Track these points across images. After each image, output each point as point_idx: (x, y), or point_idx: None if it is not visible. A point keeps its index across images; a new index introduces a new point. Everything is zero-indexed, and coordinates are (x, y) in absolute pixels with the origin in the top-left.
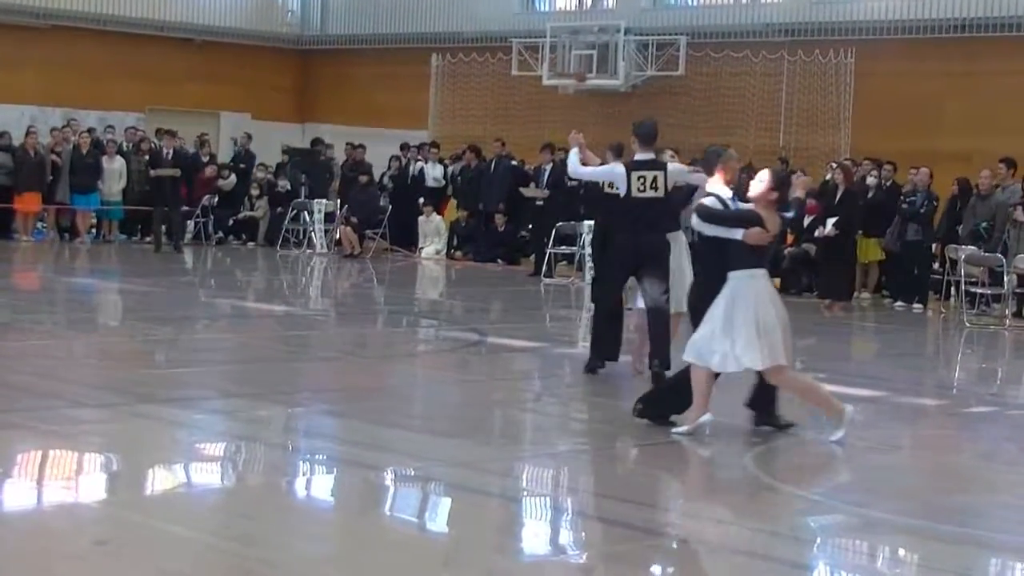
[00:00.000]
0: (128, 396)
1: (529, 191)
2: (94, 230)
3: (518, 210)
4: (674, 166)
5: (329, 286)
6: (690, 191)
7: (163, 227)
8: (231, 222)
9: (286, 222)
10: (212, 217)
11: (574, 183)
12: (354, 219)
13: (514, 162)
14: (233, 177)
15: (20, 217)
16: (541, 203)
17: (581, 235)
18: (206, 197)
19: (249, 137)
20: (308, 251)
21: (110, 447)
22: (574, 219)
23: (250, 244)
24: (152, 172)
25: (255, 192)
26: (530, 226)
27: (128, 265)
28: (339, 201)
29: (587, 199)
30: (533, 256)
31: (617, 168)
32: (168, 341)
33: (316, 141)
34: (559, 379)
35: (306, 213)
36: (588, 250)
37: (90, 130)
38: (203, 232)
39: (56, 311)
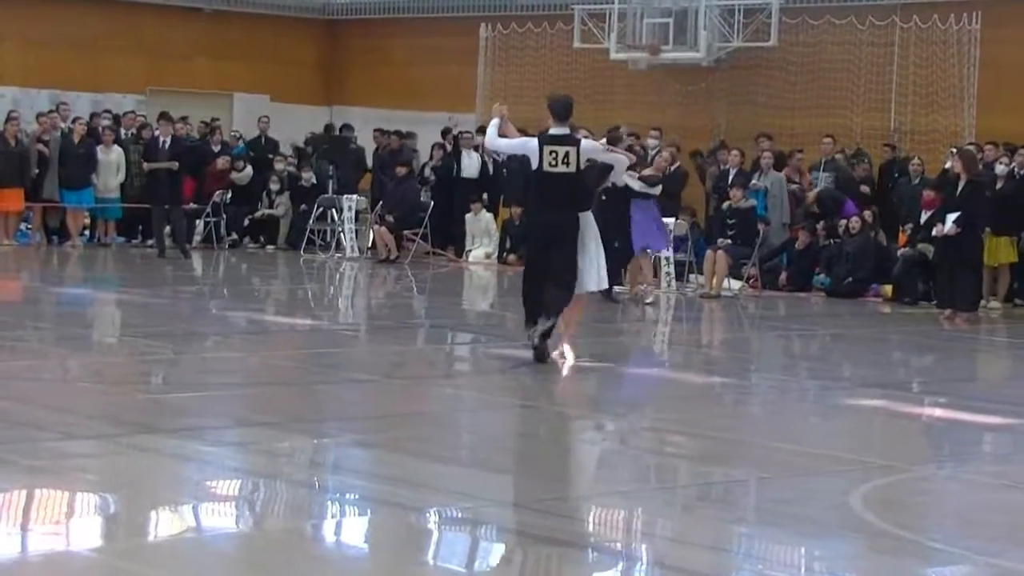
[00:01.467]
0: (126, 426)
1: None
2: (87, 232)
3: None
4: (588, 143)
5: (361, 296)
6: (604, 169)
7: (165, 228)
8: (247, 222)
9: (311, 221)
10: (224, 216)
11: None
12: (390, 217)
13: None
14: (249, 169)
15: (0, 217)
16: (605, 198)
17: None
18: (217, 193)
19: (263, 122)
20: (336, 255)
21: (105, 486)
22: None
23: (269, 247)
24: (146, 165)
25: (274, 187)
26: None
27: (127, 272)
28: (372, 197)
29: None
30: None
31: (531, 142)
32: (173, 361)
33: (345, 127)
34: (627, 406)
35: (334, 211)
36: (666, 252)
37: (92, 116)
38: (214, 233)
39: (42, 326)
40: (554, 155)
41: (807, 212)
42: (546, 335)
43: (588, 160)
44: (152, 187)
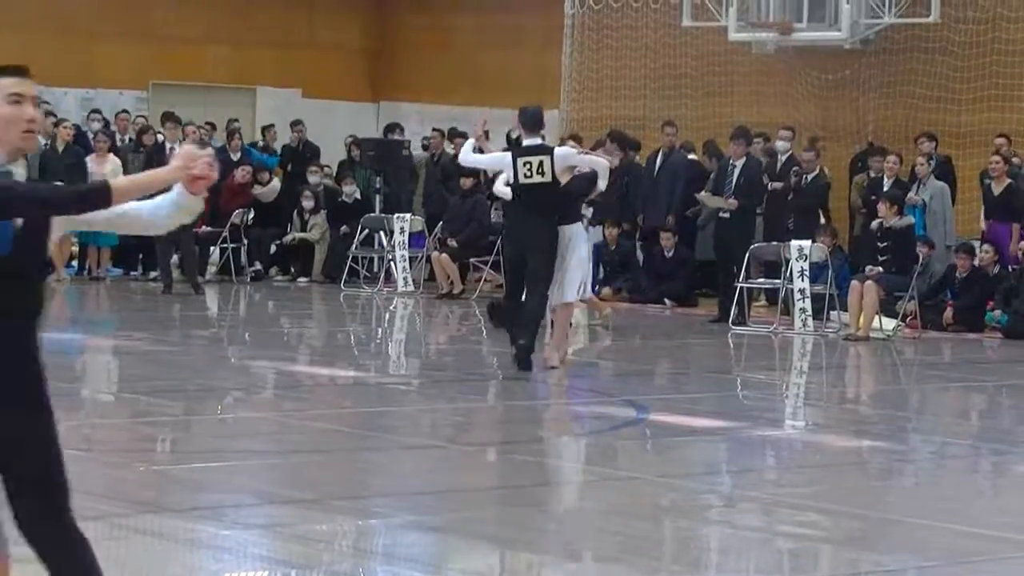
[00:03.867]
0: (127, 503)
1: (709, 199)
2: (75, 262)
3: (692, 227)
4: (562, 150)
5: (416, 341)
6: (591, 178)
7: (172, 257)
8: (273, 248)
9: (353, 247)
10: (246, 241)
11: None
12: (452, 242)
13: (691, 156)
14: (276, 182)
15: None
16: (727, 216)
17: (788, 261)
18: (237, 212)
19: (300, 124)
20: (386, 289)
21: None
22: (776, 238)
23: (301, 280)
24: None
25: (308, 204)
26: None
27: (125, 312)
28: (429, 216)
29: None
30: (718, 294)
31: (507, 156)
32: (183, 423)
33: (393, 127)
34: (757, 475)
35: (382, 234)
36: (798, 283)
37: (83, 118)
38: (233, 263)
39: None
40: (528, 166)
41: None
42: (529, 349)
43: (565, 168)
44: None
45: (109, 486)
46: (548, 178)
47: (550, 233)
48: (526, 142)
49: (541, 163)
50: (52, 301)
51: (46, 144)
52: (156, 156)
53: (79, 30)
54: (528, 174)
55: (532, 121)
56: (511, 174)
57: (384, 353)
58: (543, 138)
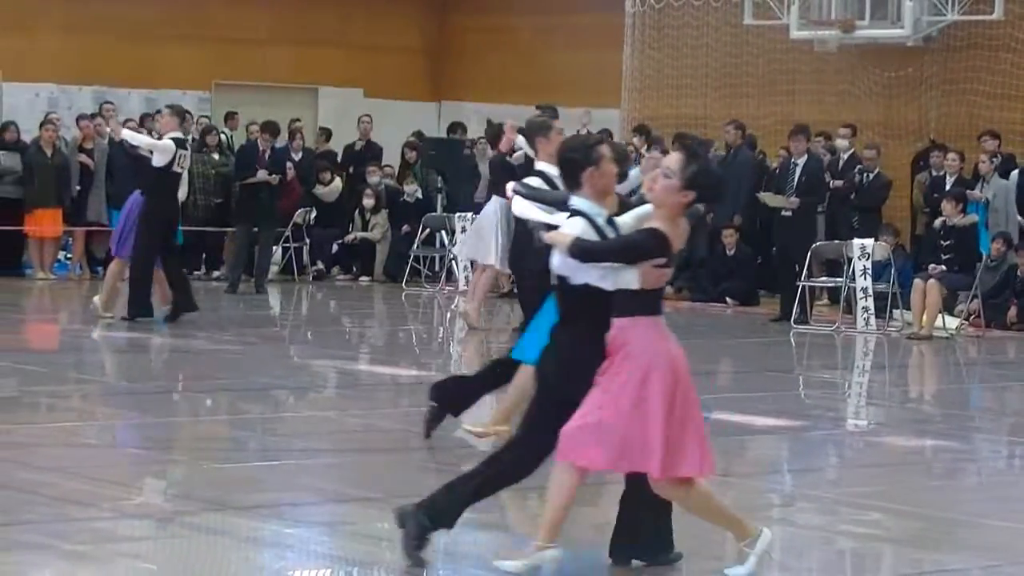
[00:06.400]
0: (188, 501)
1: (770, 198)
2: None
3: (753, 225)
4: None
5: (477, 339)
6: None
7: (244, 258)
8: (335, 247)
9: (415, 247)
10: (308, 241)
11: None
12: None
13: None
14: (337, 182)
15: (34, 244)
16: (789, 214)
17: (851, 259)
18: (299, 212)
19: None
20: (447, 288)
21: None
22: (837, 236)
23: (363, 279)
24: (238, 181)
25: (369, 203)
26: (773, 248)
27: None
28: None
29: None
30: (779, 292)
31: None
32: (245, 422)
33: (455, 126)
34: (818, 475)
35: (443, 233)
36: (861, 282)
37: (144, 118)
38: (295, 262)
39: (85, 379)
40: None
41: None
42: None
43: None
44: (246, 205)
45: (172, 484)
46: None
47: None
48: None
49: None
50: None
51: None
52: (245, 159)
53: (142, 32)
54: None
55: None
56: None
57: (445, 352)
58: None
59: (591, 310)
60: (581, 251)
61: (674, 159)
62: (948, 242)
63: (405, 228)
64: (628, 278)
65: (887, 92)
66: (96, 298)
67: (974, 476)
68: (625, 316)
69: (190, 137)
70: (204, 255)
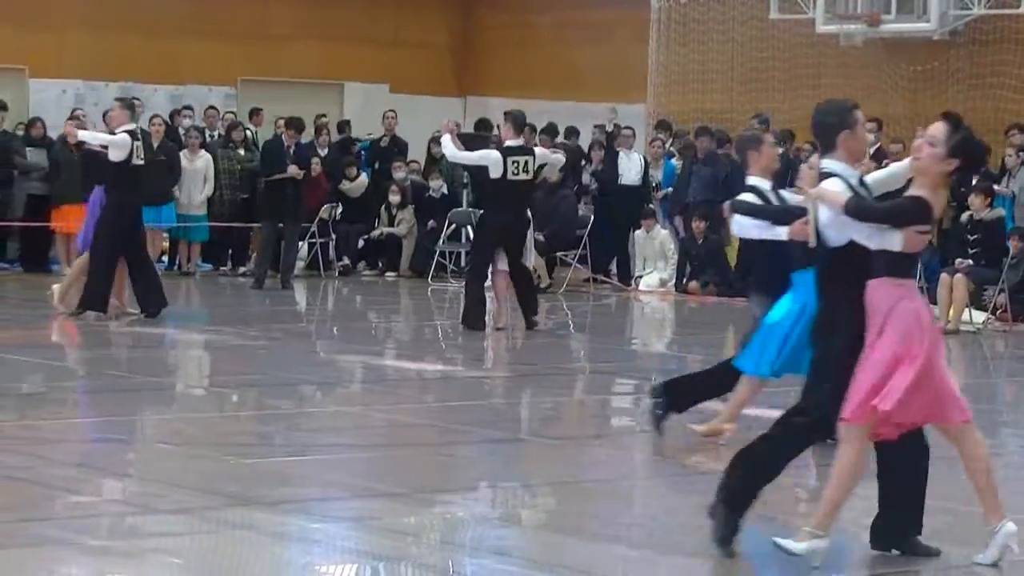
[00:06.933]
0: (216, 497)
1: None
2: (166, 257)
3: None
4: (539, 150)
5: (503, 334)
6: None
7: (270, 253)
8: (361, 243)
9: (441, 242)
10: (334, 236)
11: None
12: (539, 236)
13: (779, 150)
14: (363, 177)
15: (60, 240)
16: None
17: None
18: (325, 208)
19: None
20: None
21: (191, 571)
22: None
23: (389, 274)
24: (264, 177)
25: (395, 199)
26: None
27: (215, 307)
28: None
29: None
30: None
31: (492, 153)
32: (272, 417)
33: (482, 123)
34: None
35: (469, 228)
36: None
37: (172, 115)
38: (321, 258)
39: (111, 374)
40: (516, 164)
41: None
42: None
43: (541, 165)
44: (272, 201)
45: (198, 479)
46: (530, 175)
47: (528, 224)
48: (510, 143)
49: (527, 162)
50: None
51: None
52: (272, 154)
53: (168, 28)
54: (515, 172)
55: (520, 123)
56: (498, 170)
57: (471, 347)
58: (525, 140)
59: (850, 268)
60: (856, 208)
61: (939, 128)
62: (975, 236)
63: (431, 223)
64: (893, 240)
65: (913, 86)
66: (55, 286)
67: (1001, 470)
68: (884, 276)
69: (137, 128)
70: (230, 251)
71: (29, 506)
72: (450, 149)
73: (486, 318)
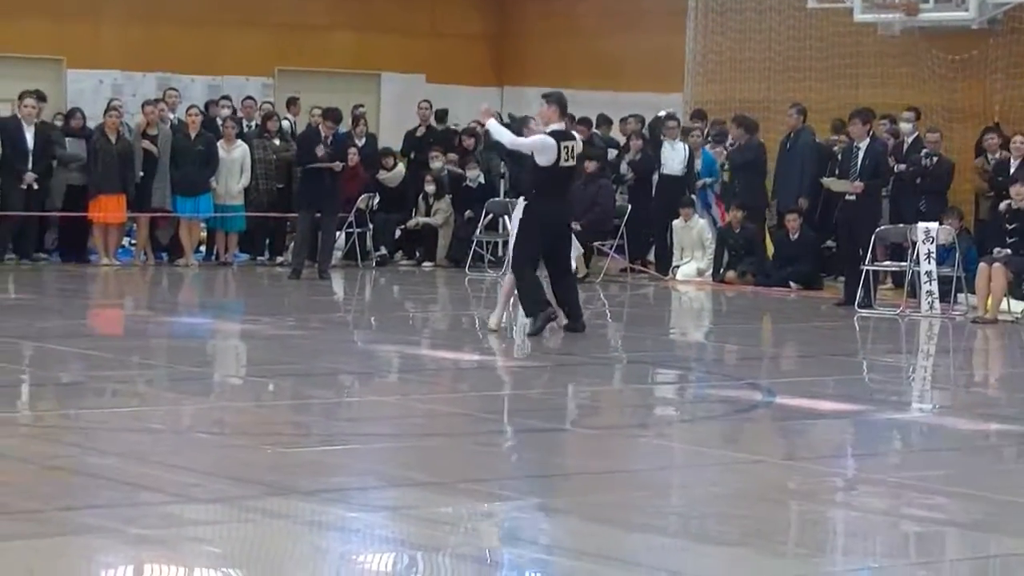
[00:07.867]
0: (253, 486)
1: (834, 183)
2: (203, 248)
3: (815, 209)
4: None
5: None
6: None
7: (308, 243)
8: (398, 233)
9: (478, 232)
10: (371, 226)
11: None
12: (576, 226)
13: (817, 139)
14: (400, 167)
15: (98, 231)
16: (853, 198)
17: (915, 243)
18: (363, 197)
19: (424, 108)
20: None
21: (228, 560)
22: (901, 220)
23: (426, 264)
24: (299, 166)
25: (431, 189)
26: (833, 235)
27: (253, 297)
28: None
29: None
30: (843, 277)
31: (548, 139)
32: (309, 407)
33: (517, 119)
34: (882, 459)
35: (506, 218)
36: (925, 266)
37: (208, 105)
38: (358, 248)
39: (150, 364)
40: (567, 150)
41: None
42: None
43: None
44: (309, 191)
45: (237, 468)
46: (575, 162)
47: (572, 215)
48: (555, 126)
49: (572, 148)
50: (180, 287)
51: (176, 128)
52: (307, 143)
53: (205, 18)
54: (567, 158)
55: (564, 105)
56: (551, 157)
57: (508, 337)
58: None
59: None
60: None
61: None
62: (1013, 225)
63: (468, 213)
64: None
65: (951, 75)
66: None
67: None
68: None
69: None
70: (268, 240)
71: (69, 495)
72: (507, 136)
73: (546, 296)
